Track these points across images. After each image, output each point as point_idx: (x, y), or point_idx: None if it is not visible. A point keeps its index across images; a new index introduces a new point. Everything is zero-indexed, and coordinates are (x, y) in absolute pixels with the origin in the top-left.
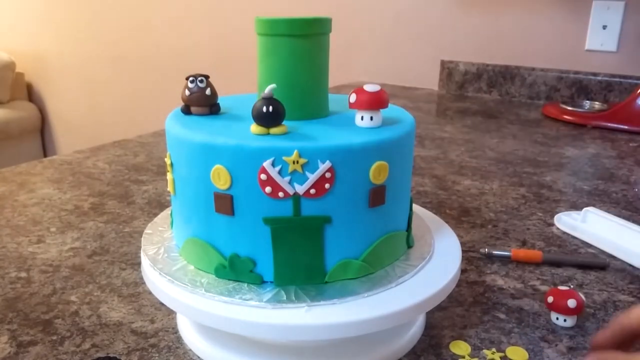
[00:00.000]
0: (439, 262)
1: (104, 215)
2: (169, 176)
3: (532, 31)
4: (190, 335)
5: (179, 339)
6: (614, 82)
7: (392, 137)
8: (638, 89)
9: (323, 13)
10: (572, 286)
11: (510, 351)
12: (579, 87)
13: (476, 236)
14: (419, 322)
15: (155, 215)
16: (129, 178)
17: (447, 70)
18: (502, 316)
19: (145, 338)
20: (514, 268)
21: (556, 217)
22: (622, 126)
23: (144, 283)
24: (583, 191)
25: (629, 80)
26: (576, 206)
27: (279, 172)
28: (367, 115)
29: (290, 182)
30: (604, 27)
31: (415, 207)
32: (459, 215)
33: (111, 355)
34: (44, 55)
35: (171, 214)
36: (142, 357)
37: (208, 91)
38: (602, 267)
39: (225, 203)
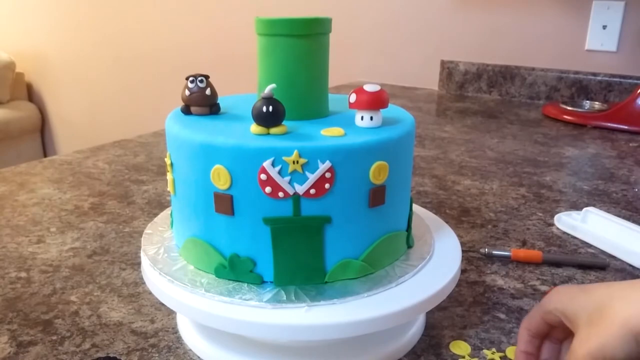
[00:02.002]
0: (439, 262)
1: (104, 215)
2: (169, 176)
3: (532, 31)
4: (190, 335)
5: (179, 339)
6: (614, 82)
7: (392, 137)
8: (638, 89)
9: (323, 13)
10: None
11: (510, 351)
12: (579, 87)
13: (476, 236)
14: (419, 322)
15: (155, 215)
16: (129, 178)
17: (447, 70)
18: (502, 316)
19: (145, 338)
20: (514, 268)
21: (556, 217)
22: (622, 126)
23: (144, 283)
24: (583, 191)
25: (629, 80)
26: (576, 206)
27: (279, 172)
28: (367, 115)
29: (290, 182)
30: (604, 27)
31: (415, 207)
32: (459, 215)
33: (111, 355)
34: (44, 55)
35: (171, 214)
36: (142, 357)
37: (208, 91)
38: (602, 267)
39: (225, 203)
